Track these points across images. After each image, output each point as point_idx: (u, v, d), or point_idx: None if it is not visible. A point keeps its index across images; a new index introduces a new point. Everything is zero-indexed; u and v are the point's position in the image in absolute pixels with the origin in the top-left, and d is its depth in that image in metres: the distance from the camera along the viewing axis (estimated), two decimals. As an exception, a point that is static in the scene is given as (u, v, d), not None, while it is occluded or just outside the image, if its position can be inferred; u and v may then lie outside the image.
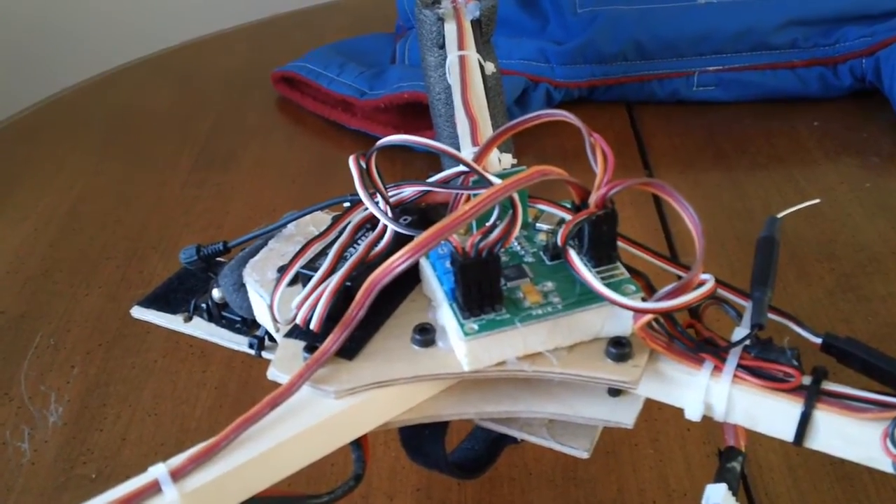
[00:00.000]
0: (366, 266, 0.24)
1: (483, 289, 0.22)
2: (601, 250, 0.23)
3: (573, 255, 0.22)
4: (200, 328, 0.30)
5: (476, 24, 0.44)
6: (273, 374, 0.24)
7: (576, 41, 0.58)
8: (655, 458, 0.35)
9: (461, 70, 0.38)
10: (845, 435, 0.21)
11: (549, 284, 0.23)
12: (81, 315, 0.46)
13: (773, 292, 0.23)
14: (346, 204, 0.27)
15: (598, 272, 0.23)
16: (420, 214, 0.26)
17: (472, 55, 0.40)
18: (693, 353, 0.22)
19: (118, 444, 0.39)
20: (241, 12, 0.86)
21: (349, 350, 0.23)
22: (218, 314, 0.30)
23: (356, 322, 0.23)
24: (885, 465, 0.21)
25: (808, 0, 0.57)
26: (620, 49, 0.58)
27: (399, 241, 0.24)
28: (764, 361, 0.22)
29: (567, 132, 0.24)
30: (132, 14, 1.12)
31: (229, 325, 0.30)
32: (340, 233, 0.26)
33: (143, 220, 0.53)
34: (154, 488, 0.21)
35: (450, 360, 0.23)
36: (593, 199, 0.23)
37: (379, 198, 0.25)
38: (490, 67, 0.41)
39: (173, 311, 0.31)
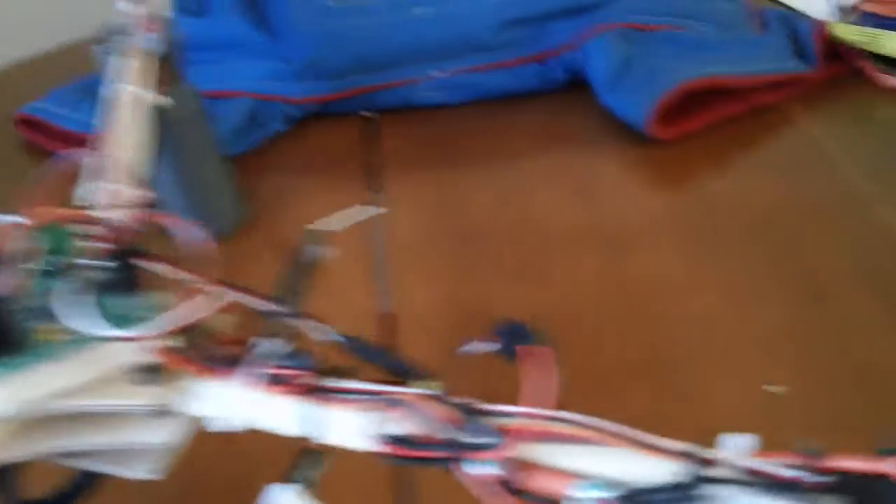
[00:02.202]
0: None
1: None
2: (123, 287, 0.25)
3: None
4: None
5: (158, 57, 0.44)
6: None
7: (303, 59, 0.60)
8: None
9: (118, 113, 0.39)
10: (352, 428, 0.23)
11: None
12: None
13: (298, 302, 0.25)
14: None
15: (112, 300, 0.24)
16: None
17: (139, 92, 0.40)
18: (221, 368, 0.24)
19: None
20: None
21: None
22: None
23: None
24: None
25: (519, 1, 0.60)
26: (347, 63, 0.59)
27: None
28: (282, 368, 0.24)
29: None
30: None
31: None
32: None
33: None
34: None
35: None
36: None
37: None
38: (165, 100, 0.42)
39: None
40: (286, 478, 0.25)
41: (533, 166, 0.54)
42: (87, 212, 0.24)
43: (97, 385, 0.24)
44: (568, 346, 0.39)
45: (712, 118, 0.54)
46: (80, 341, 0.24)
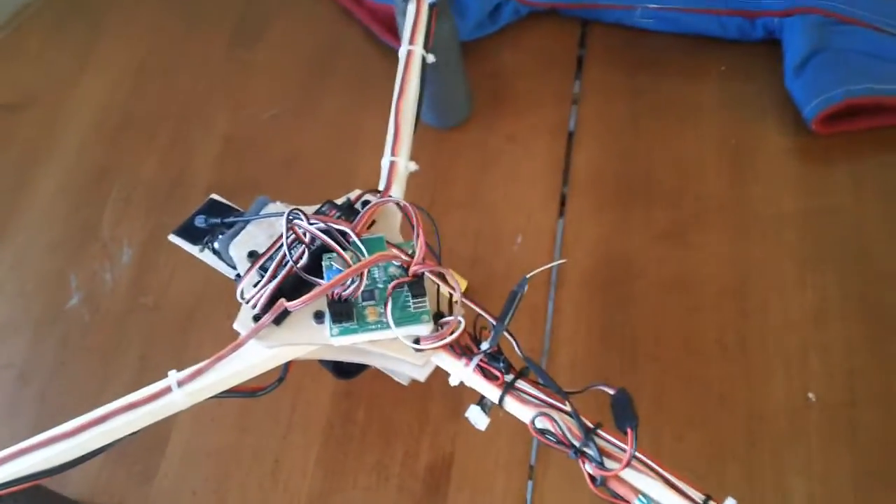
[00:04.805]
0: (293, 274, 0.43)
1: (343, 312, 0.41)
2: (416, 293, 0.42)
3: (389, 308, 0.41)
4: (209, 258, 0.50)
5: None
6: (236, 326, 0.43)
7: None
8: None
9: (404, 68, 0.53)
10: (519, 413, 0.41)
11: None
12: (143, 174, 0.66)
13: (507, 324, 0.42)
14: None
15: (414, 303, 0.42)
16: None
17: (418, 52, 0.54)
18: (457, 353, 0.42)
19: (167, 283, 0.60)
20: None
21: (277, 320, 0.43)
22: (219, 255, 0.49)
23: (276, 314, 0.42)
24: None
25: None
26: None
27: (313, 257, 0.43)
28: (488, 365, 0.41)
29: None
30: None
31: (225, 262, 0.49)
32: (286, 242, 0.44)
33: (189, 90, 0.71)
34: (168, 390, 0.42)
35: (328, 334, 0.43)
36: (410, 271, 0.41)
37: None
38: (431, 58, 0.55)
39: (194, 243, 0.50)
40: (477, 402, 0.43)
41: (706, 125, 0.65)
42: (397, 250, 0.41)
43: (390, 341, 0.42)
44: (681, 309, 0.55)
45: (878, 123, 0.63)
46: (386, 324, 0.41)
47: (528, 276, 0.43)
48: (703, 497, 0.38)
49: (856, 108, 0.62)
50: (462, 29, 0.68)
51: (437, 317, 0.43)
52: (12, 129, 0.69)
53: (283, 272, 0.43)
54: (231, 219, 0.48)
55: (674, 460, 0.45)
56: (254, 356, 0.43)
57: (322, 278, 0.42)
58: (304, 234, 0.43)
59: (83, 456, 0.42)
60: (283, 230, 0.42)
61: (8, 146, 0.68)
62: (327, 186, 0.63)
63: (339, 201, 0.47)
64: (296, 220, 0.43)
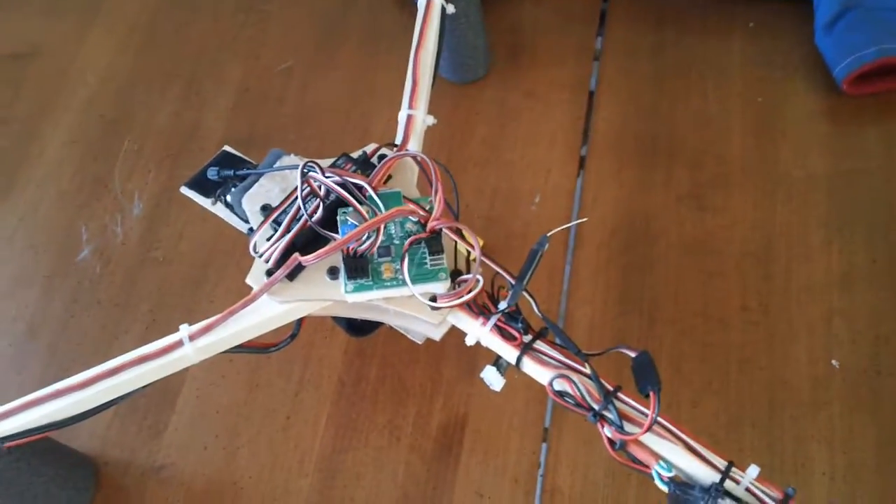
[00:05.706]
0: (307, 228, 0.42)
1: (358, 268, 0.40)
2: (433, 250, 0.40)
3: (406, 265, 0.39)
4: (221, 211, 0.49)
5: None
6: (249, 281, 0.43)
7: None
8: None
9: (423, 18, 0.51)
10: (537, 374, 0.40)
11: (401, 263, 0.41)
12: (156, 127, 0.64)
13: (526, 283, 0.40)
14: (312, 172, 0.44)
15: (431, 260, 0.41)
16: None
17: (438, 1, 0.52)
18: (474, 313, 0.41)
19: (179, 236, 0.59)
20: None
21: (291, 275, 0.42)
22: (231, 208, 0.48)
23: (290, 268, 0.41)
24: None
25: None
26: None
27: (328, 210, 0.42)
28: (506, 325, 0.40)
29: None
30: None
31: (238, 215, 0.48)
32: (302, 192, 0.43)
33: (202, 41, 0.69)
34: (179, 344, 0.41)
35: (343, 291, 0.42)
36: (428, 227, 0.40)
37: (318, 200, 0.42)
38: (451, 9, 0.53)
39: (206, 196, 0.49)
40: (493, 363, 0.43)
41: (732, 84, 0.63)
42: (416, 206, 0.40)
43: (405, 299, 0.41)
44: (702, 272, 0.53)
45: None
46: (402, 281, 0.40)
47: (548, 234, 0.42)
48: (725, 463, 0.37)
49: (888, 67, 0.59)
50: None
51: (455, 275, 0.42)
52: (21, 79, 0.68)
53: (298, 226, 0.42)
54: (244, 171, 0.47)
55: (692, 426, 0.44)
56: (266, 311, 0.42)
57: (337, 233, 0.41)
58: (320, 188, 0.42)
59: (93, 409, 0.42)
60: (298, 183, 0.41)
61: (17, 96, 0.67)
62: (342, 140, 0.62)
63: (355, 155, 0.45)
64: (311, 173, 0.42)
